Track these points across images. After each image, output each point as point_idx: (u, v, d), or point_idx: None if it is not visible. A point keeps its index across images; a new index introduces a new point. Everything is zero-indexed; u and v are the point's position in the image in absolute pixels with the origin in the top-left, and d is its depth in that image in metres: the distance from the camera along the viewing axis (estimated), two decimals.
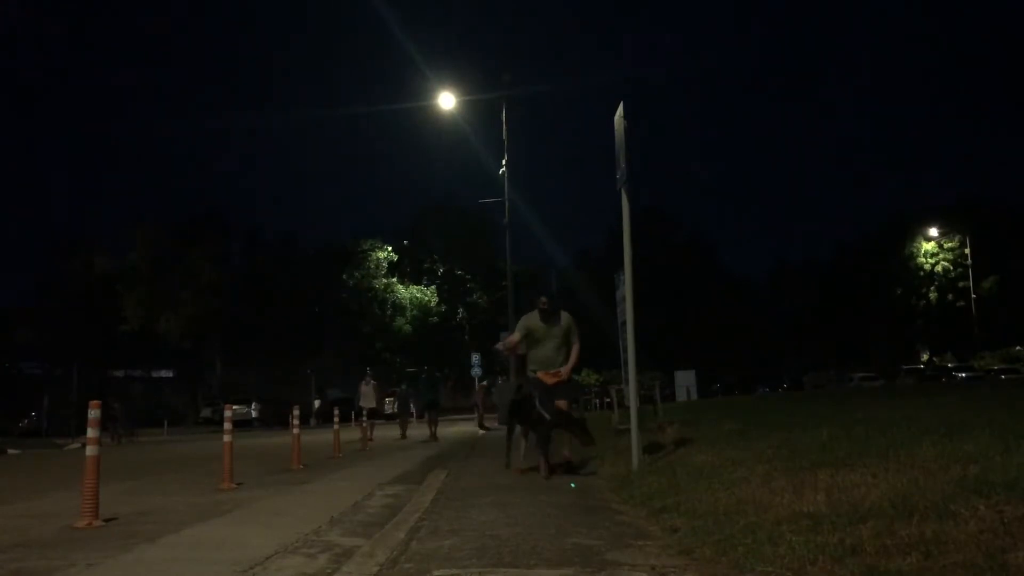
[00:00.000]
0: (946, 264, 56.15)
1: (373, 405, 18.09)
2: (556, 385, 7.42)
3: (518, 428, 7.93)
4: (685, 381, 36.78)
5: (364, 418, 16.60)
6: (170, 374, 51.72)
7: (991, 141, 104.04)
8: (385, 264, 52.29)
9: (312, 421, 37.21)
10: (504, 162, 23.73)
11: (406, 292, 51.64)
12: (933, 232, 56.13)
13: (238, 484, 8.11)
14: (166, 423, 34.85)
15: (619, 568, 3.35)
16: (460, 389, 46.94)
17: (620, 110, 7.06)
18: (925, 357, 57.01)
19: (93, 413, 5.98)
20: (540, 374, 7.48)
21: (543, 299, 7.60)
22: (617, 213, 7.41)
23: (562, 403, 7.30)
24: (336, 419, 14.36)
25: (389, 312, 51.54)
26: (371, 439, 16.48)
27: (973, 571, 2.64)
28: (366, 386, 18.84)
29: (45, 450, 22.68)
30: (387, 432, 19.95)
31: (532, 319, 7.60)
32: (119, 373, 49.43)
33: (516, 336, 7.77)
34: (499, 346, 9.92)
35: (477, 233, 49.76)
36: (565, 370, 7.49)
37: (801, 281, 62.84)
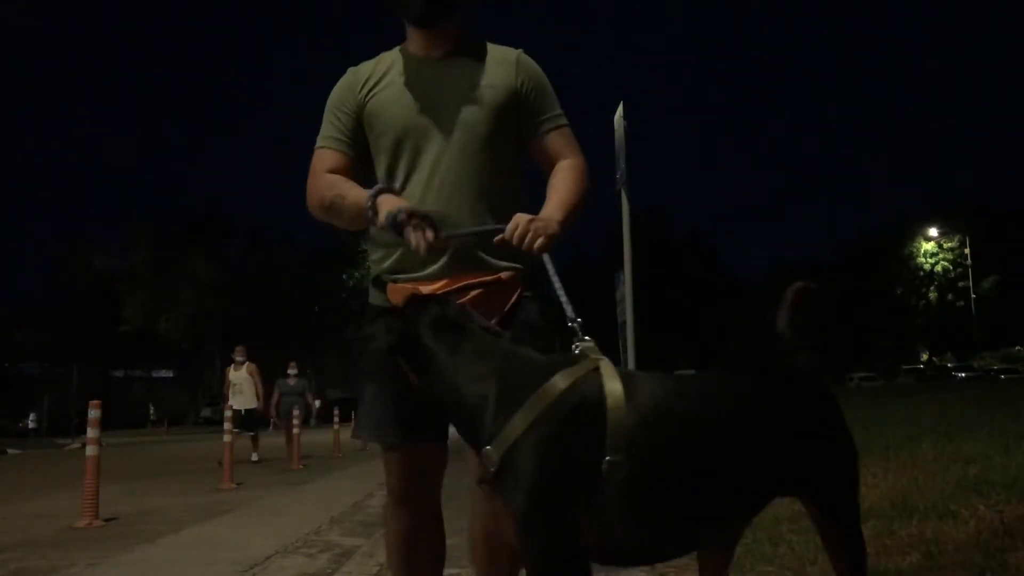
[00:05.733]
0: (946, 264, 56.13)
1: (253, 405, 11.70)
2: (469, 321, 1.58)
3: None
4: None
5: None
6: (170, 374, 51.71)
7: (991, 142, 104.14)
8: None
9: (312, 421, 37.19)
10: None
11: None
12: (933, 232, 56.10)
13: (238, 484, 8.12)
14: (166, 423, 34.89)
15: (619, 568, 3.35)
16: None
17: (620, 110, 7.06)
18: (925, 357, 56.98)
19: (93, 413, 5.99)
20: (395, 291, 1.81)
21: None
22: (617, 213, 7.40)
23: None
24: (336, 419, 14.40)
25: None
26: (257, 454, 11.60)
27: (973, 571, 2.64)
28: (236, 371, 11.66)
29: (45, 450, 22.67)
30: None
31: (369, 70, 1.97)
32: (119, 373, 49.42)
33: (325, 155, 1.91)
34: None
35: None
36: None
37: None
